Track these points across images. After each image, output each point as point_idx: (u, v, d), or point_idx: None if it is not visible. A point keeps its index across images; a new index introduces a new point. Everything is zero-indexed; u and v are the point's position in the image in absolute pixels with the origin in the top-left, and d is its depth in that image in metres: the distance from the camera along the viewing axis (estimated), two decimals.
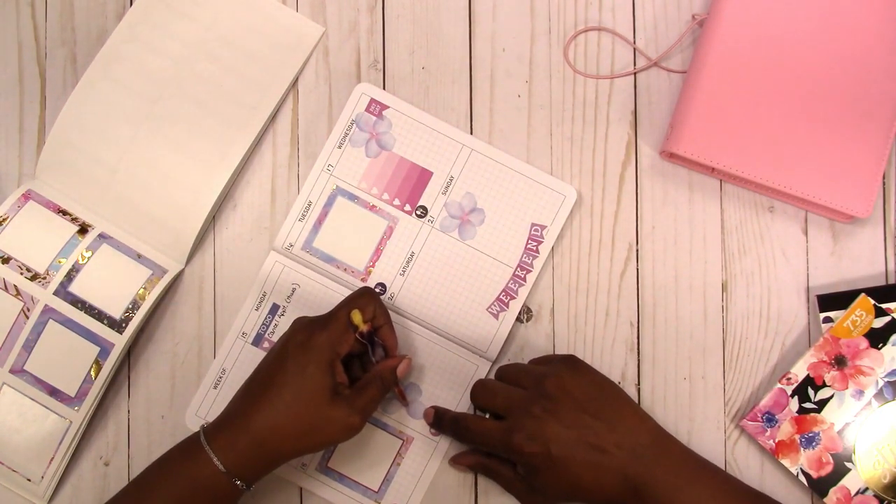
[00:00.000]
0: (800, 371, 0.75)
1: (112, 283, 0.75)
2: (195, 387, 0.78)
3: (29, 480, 0.75)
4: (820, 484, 0.74)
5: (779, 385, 0.75)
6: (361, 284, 0.78)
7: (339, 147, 0.79)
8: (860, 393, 0.74)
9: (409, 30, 0.81)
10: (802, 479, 0.74)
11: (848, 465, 0.74)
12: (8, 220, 0.76)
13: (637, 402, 0.77)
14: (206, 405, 0.77)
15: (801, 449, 0.75)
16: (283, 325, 0.77)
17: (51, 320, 0.74)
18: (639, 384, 0.78)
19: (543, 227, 0.78)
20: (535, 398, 0.70)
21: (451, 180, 0.79)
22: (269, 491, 0.76)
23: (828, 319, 0.76)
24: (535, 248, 0.78)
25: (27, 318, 0.74)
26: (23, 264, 0.75)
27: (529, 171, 0.78)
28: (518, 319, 0.78)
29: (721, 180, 0.79)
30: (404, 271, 0.78)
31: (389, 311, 0.75)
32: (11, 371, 0.74)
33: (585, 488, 0.69)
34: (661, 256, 0.78)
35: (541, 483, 0.70)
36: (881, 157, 0.75)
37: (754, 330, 0.78)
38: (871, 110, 0.75)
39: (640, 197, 0.79)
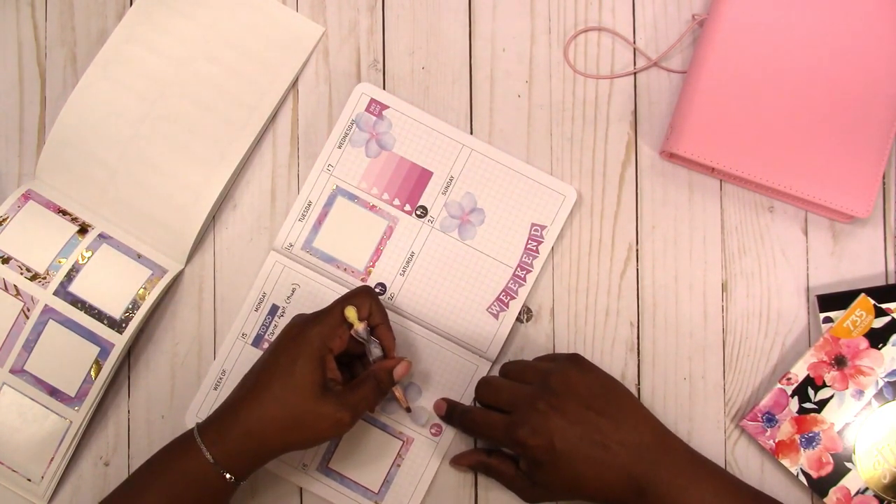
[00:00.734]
0: (800, 371, 0.75)
1: (112, 283, 0.75)
2: (195, 387, 0.78)
3: (29, 480, 0.76)
4: (820, 484, 0.74)
5: (779, 385, 0.75)
6: (361, 284, 0.78)
7: (339, 147, 0.79)
8: (860, 393, 0.74)
9: (409, 30, 0.81)
10: (802, 479, 0.74)
11: (848, 465, 0.74)
12: (8, 220, 0.76)
13: None
14: (206, 406, 0.77)
15: (801, 449, 0.75)
16: (282, 325, 0.77)
17: (51, 320, 0.74)
18: (639, 384, 0.78)
19: (543, 227, 0.78)
20: (539, 394, 0.70)
21: (451, 180, 0.79)
22: (269, 491, 0.76)
23: (828, 319, 0.76)
24: (535, 248, 0.78)
25: (27, 318, 0.74)
26: (23, 264, 0.75)
27: (529, 171, 0.78)
28: (518, 319, 0.78)
29: (721, 180, 0.79)
30: (404, 271, 0.78)
31: (389, 312, 0.75)
32: (11, 371, 0.74)
33: (588, 485, 0.69)
34: (661, 256, 0.78)
35: (543, 478, 0.70)
36: (881, 157, 0.75)
37: (754, 330, 0.78)
38: (871, 110, 0.75)
39: (640, 197, 0.79)
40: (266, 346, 0.77)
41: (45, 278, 0.75)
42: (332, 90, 0.80)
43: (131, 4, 0.81)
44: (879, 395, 0.74)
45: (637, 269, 0.79)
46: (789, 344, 0.77)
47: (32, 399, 0.75)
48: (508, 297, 0.78)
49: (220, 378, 0.77)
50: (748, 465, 0.76)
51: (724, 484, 0.70)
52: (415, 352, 0.77)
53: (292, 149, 0.80)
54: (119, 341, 0.75)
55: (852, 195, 0.75)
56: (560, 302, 0.78)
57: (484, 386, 0.74)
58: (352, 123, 0.79)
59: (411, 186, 0.79)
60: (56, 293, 0.74)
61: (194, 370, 0.78)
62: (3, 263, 0.75)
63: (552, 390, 0.70)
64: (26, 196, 0.77)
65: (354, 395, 0.69)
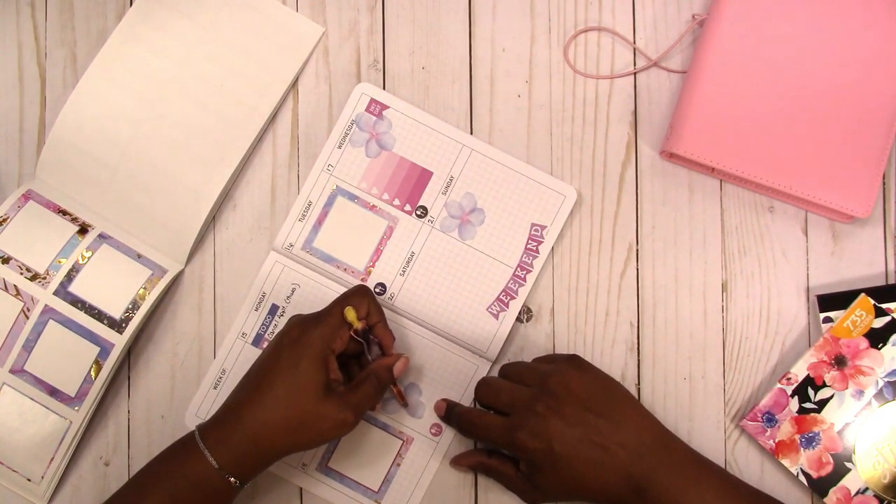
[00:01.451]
0: (800, 371, 0.75)
1: (112, 283, 0.75)
2: (195, 387, 0.78)
3: (29, 480, 0.76)
4: (820, 484, 0.74)
5: (779, 385, 0.75)
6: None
7: (339, 147, 0.79)
8: (860, 393, 0.74)
9: (409, 30, 0.81)
10: (802, 479, 0.74)
11: (848, 465, 0.74)
12: (8, 220, 0.76)
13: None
14: (205, 406, 0.77)
15: (801, 449, 0.75)
16: (282, 325, 0.77)
17: (51, 320, 0.74)
18: (639, 384, 0.78)
19: (543, 228, 0.78)
20: (538, 396, 0.70)
21: (452, 180, 0.79)
22: (269, 491, 0.76)
23: (828, 319, 0.76)
24: (535, 248, 0.78)
25: (27, 318, 0.74)
26: (23, 264, 0.75)
27: (529, 171, 0.78)
28: (518, 319, 0.78)
29: (721, 180, 0.79)
30: (404, 271, 0.78)
31: (388, 311, 0.75)
32: (11, 371, 0.74)
33: (588, 486, 0.69)
34: (661, 256, 0.78)
35: (543, 480, 0.70)
36: (881, 157, 0.75)
37: (754, 330, 0.78)
38: (871, 110, 0.75)
39: (640, 197, 0.79)
40: (266, 345, 0.77)
41: (45, 278, 0.75)
42: (332, 90, 0.80)
43: (131, 4, 0.81)
44: (879, 395, 0.74)
45: (637, 269, 0.79)
46: (789, 344, 0.77)
47: (32, 399, 0.75)
48: (508, 297, 0.78)
49: (220, 377, 0.77)
50: (748, 465, 0.76)
51: (724, 484, 0.70)
52: (415, 352, 0.77)
53: (292, 149, 0.80)
54: (119, 341, 0.75)
55: (852, 195, 0.75)
56: (560, 302, 0.78)
57: (483, 387, 0.74)
58: (352, 123, 0.79)
59: (411, 186, 0.79)
60: (56, 293, 0.74)
61: (194, 370, 0.78)
62: (3, 263, 0.75)
63: (551, 392, 0.70)
64: (26, 196, 0.77)
65: (356, 394, 0.69)
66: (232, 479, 0.67)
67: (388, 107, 0.79)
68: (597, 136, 0.79)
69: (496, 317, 0.77)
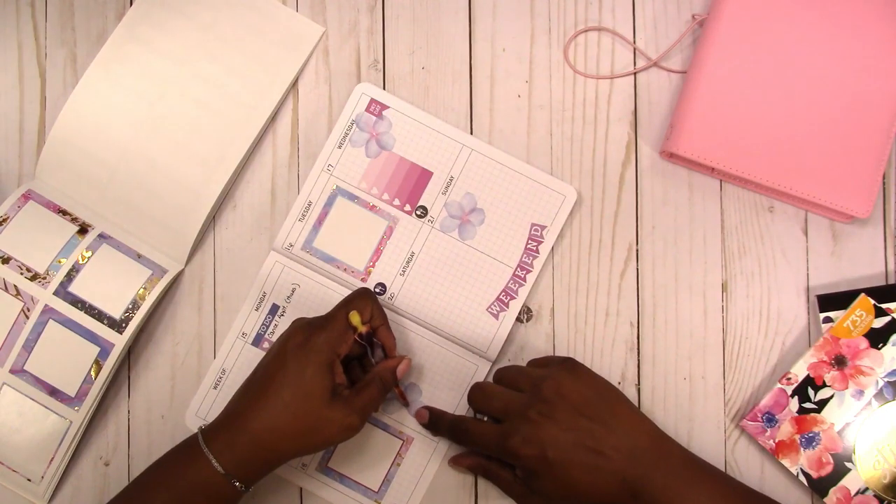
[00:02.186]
0: (800, 371, 0.75)
1: (112, 283, 0.75)
2: (195, 387, 0.78)
3: (29, 480, 0.76)
4: (820, 484, 0.74)
5: (779, 385, 0.75)
6: (361, 284, 0.78)
7: (339, 147, 0.79)
8: (860, 393, 0.74)
9: (409, 30, 0.81)
10: (802, 479, 0.74)
11: (848, 465, 0.74)
12: (8, 220, 0.76)
13: (637, 402, 0.77)
14: (206, 406, 0.77)
15: (801, 449, 0.75)
16: (282, 325, 0.77)
17: (51, 320, 0.74)
18: (639, 384, 0.78)
19: (543, 227, 0.78)
20: (531, 402, 0.70)
21: (451, 180, 0.79)
22: (269, 491, 0.76)
23: (828, 319, 0.76)
24: (535, 248, 0.78)
25: (27, 318, 0.74)
26: (23, 264, 0.75)
27: (529, 171, 0.78)
28: (518, 319, 0.78)
29: (721, 180, 0.79)
30: (404, 271, 0.78)
31: (388, 311, 0.75)
32: (11, 371, 0.74)
33: (583, 491, 0.69)
34: (661, 256, 0.78)
35: (539, 485, 0.70)
36: (881, 157, 0.75)
37: (754, 330, 0.78)
38: (871, 110, 0.75)
39: (640, 197, 0.79)
40: (266, 345, 0.77)
41: (45, 278, 0.75)
42: (332, 90, 0.80)
43: (131, 4, 0.81)
44: (879, 395, 0.74)
45: (637, 269, 0.79)
46: (789, 344, 0.77)
47: (32, 399, 0.75)
48: (508, 297, 0.78)
49: (220, 377, 0.77)
50: (748, 466, 0.76)
51: (720, 486, 0.69)
52: (415, 352, 0.77)
53: (292, 149, 0.80)
54: (119, 341, 0.75)
55: (852, 195, 0.75)
56: (560, 302, 0.78)
57: (476, 392, 0.74)
58: (352, 123, 0.79)
59: (411, 186, 0.79)
60: (56, 293, 0.74)
61: (194, 370, 0.78)
62: (3, 263, 0.75)
63: (544, 398, 0.70)
64: (26, 196, 0.77)
65: (361, 398, 0.69)
66: (237, 483, 0.67)
67: (387, 107, 0.79)
68: (597, 136, 0.79)
69: (496, 317, 0.77)
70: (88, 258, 0.75)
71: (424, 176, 0.79)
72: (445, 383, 0.77)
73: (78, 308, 0.74)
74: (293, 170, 0.80)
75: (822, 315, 0.76)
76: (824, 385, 0.75)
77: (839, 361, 0.75)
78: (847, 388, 0.75)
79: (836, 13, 0.75)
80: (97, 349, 0.74)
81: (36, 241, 0.75)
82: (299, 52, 0.80)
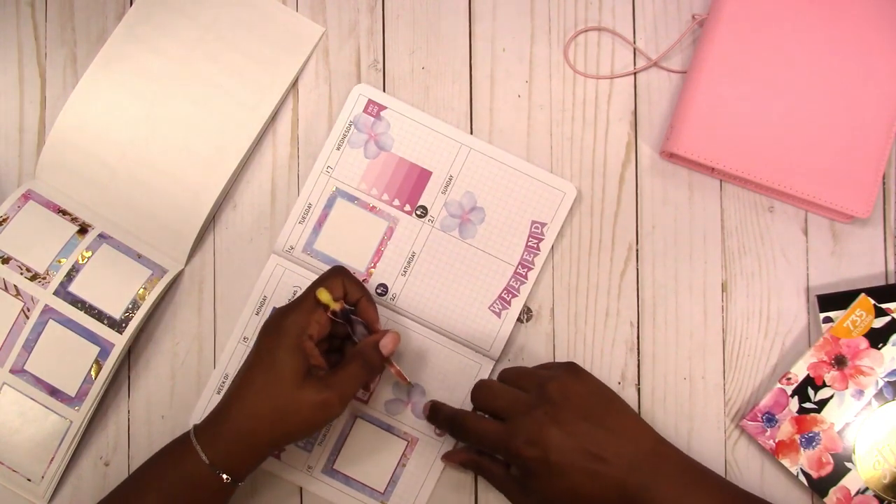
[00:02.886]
0: (800, 371, 0.75)
1: (112, 283, 0.75)
2: (195, 387, 0.78)
3: (29, 480, 0.75)
4: (820, 484, 0.74)
5: (779, 385, 0.75)
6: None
7: (338, 148, 0.79)
8: (860, 393, 0.74)
9: (409, 30, 0.81)
10: (802, 479, 0.74)
11: (848, 465, 0.74)
12: (8, 220, 0.76)
13: (637, 402, 0.77)
14: (209, 411, 0.77)
15: (801, 449, 0.75)
16: None
17: (51, 320, 0.74)
18: (639, 384, 0.78)
19: (544, 225, 0.78)
20: (536, 402, 0.69)
21: (451, 179, 0.79)
22: (271, 492, 0.76)
23: (828, 319, 0.76)
24: (535, 245, 0.78)
25: (27, 318, 0.74)
26: (23, 264, 0.75)
27: (528, 169, 0.78)
28: (518, 320, 0.78)
29: (721, 180, 0.79)
30: (406, 271, 0.78)
31: (390, 311, 0.75)
32: (11, 371, 0.74)
33: (582, 496, 0.68)
34: (661, 256, 0.79)
35: (536, 486, 0.70)
36: (881, 157, 0.76)
37: (754, 330, 0.78)
38: (871, 110, 0.75)
39: (640, 197, 0.79)
40: None
41: (45, 278, 0.75)
42: (332, 90, 0.80)
43: (131, 4, 0.81)
44: (879, 395, 0.74)
45: (637, 269, 0.79)
46: (789, 344, 0.78)
47: (32, 399, 0.75)
48: (510, 295, 0.78)
49: (223, 382, 0.77)
50: (748, 466, 0.76)
51: (720, 492, 0.69)
52: (418, 352, 0.77)
53: (292, 149, 0.80)
54: (119, 341, 0.74)
55: (852, 195, 0.75)
56: (560, 302, 0.78)
57: (481, 390, 0.73)
58: (350, 125, 0.79)
59: (411, 186, 0.79)
60: (56, 293, 0.74)
61: (194, 370, 0.78)
62: (3, 263, 0.75)
63: (549, 399, 0.69)
64: (26, 196, 0.77)
65: (339, 375, 0.68)
66: (224, 476, 0.67)
67: (385, 107, 0.79)
68: (597, 135, 0.79)
69: (498, 315, 0.77)
70: (88, 258, 0.75)
71: (424, 176, 0.79)
72: (449, 382, 0.77)
73: (78, 308, 0.74)
74: (293, 170, 0.80)
75: (822, 315, 0.76)
76: (824, 385, 0.75)
77: (839, 361, 0.75)
78: (847, 388, 0.75)
79: (836, 13, 0.75)
80: (97, 349, 0.74)
81: (36, 241, 0.75)
82: (299, 52, 0.80)
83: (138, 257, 0.77)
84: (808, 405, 0.75)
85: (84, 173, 0.78)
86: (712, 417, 0.77)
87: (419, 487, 0.76)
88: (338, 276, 0.71)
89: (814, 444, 0.75)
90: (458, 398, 0.77)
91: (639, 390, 0.78)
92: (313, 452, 0.77)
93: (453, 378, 0.77)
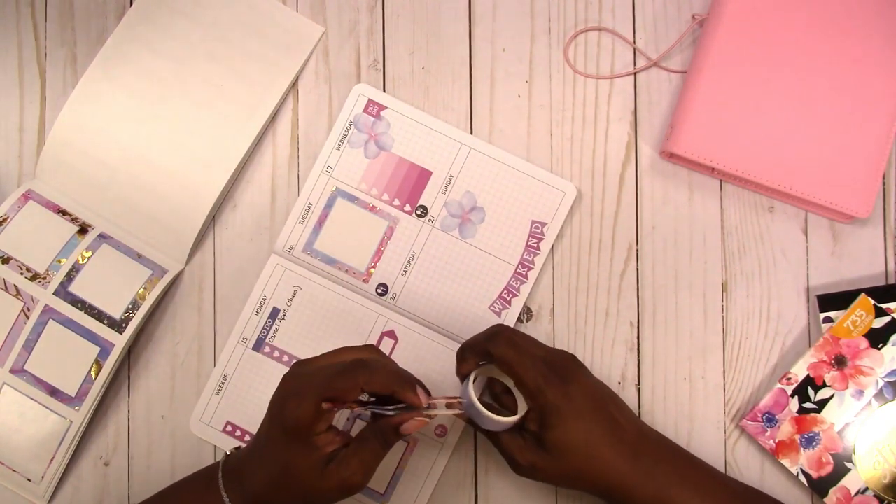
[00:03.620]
0: (800, 371, 0.75)
1: (112, 283, 0.75)
2: (195, 387, 0.78)
3: (29, 480, 0.75)
4: (820, 484, 0.74)
5: (779, 385, 0.75)
6: (362, 284, 0.78)
7: (338, 148, 0.79)
8: (860, 393, 0.74)
9: (409, 30, 0.81)
10: (802, 479, 0.74)
11: (848, 465, 0.74)
12: (8, 220, 0.76)
13: (637, 402, 0.77)
14: (209, 411, 0.77)
15: (801, 449, 0.75)
16: (283, 329, 0.77)
17: (51, 320, 0.74)
18: (639, 384, 0.78)
19: (544, 224, 0.78)
20: (571, 356, 0.70)
21: (451, 179, 0.79)
22: None
23: (828, 319, 0.76)
24: (535, 245, 0.78)
25: (27, 318, 0.74)
26: (23, 264, 0.75)
27: (528, 169, 0.78)
28: (518, 320, 0.78)
29: (721, 180, 0.79)
30: (406, 271, 0.78)
31: (390, 311, 0.74)
32: (12, 371, 0.74)
33: (596, 445, 0.66)
34: (661, 256, 0.79)
35: (552, 437, 0.66)
36: (881, 157, 0.76)
37: (754, 330, 0.78)
38: (871, 110, 0.75)
39: (640, 197, 0.79)
40: (267, 350, 0.77)
41: (45, 278, 0.75)
42: (332, 90, 0.80)
43: (131, 4, 0.81)
44: (879, 395, 0.74)
45: (637, 269, 0.79)
46: (789, 344, 0.78)
47: (32, 399, 0.75)
48: (511, 295, 0.78)
49: (222, 383, 0.77)
50: (748, 465, 0.76)
51: (709, 481, 0.69)
52: (419, 352, 0.77)
53: (292, 149, 0.80)
54: (119, 341, 0.74)
55: (852, 195, 0.75)
56: (560, 302, 0.78)
57: (510, 346, 0.68)
58: (350, 125, 0.79)
59: (411, 186, 0.79)
60: (56, 293, 0.74)
61: (194, 370, 0.78)
62: (3, 263, 0.75)
63: (578, 362, 0.70)
64: (26, 196, 0.77)
65: (359, 455, 0.65)
66: None
67: (385, 107, 0.79)
68: (597, 135, 0.79)
69: (499, 315, 0.77)
70: (88, 258, 0.75)
71: (424, 175, 0.79)
72: (450, 383, 0.77)
73: (78, 308, 0.74)
74: (293, 170, 0.80)
75: (822, 315, 0.76)
76: (824, 385, 0.75)
77: (839, 361, 0.75)
78: (847, 388, 0.75)
79: (836, 13, 0.75)
80: (97, 349, 0.74)
81: (36, 241, 0.75)
82: (299, 52, 0.80)
83: (138, 257, 0.77)
84: (808, 405, 0.75)
85: (84, 173, 0.78)
86: (712, 417, 0.77)
87: (419, 488, 0.76)
88: (352, 373, 0.65)
89: (814, 444, 0.75)
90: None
91: (639, 390, 0.78)
92: None
93: (454, 378, 0.77)
